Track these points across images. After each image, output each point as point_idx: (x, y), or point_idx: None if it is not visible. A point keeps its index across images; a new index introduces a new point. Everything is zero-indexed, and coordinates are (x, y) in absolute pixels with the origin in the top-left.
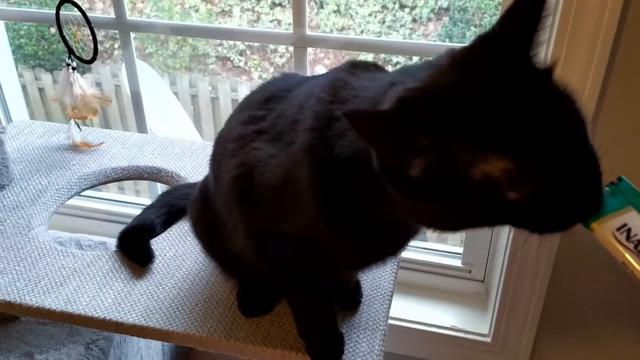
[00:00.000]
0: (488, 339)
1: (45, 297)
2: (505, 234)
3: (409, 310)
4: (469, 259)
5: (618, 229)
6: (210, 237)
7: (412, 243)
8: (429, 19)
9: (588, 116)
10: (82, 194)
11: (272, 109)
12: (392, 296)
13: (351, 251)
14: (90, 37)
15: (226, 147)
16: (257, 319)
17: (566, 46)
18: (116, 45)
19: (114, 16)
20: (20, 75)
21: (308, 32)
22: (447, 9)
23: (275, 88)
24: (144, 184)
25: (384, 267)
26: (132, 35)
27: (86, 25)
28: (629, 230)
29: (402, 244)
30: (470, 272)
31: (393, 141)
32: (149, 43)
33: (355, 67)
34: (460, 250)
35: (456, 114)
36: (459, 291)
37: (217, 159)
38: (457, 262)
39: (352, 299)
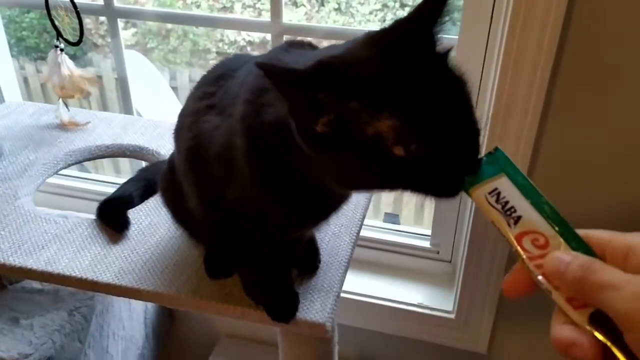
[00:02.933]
0: (452, 316)
1: (27, 258)
2: (467, 217)
3: (378, 288)
4: (437, 241)
5: (490, 193)
6: (177, 206)
7: (384, 225)
8: None
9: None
10: (74, 175)
11: (221, 85)
12: (348, 263)
13: (285, 216)
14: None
15: (184, 121)
16: (221, 280)
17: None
18: None
19: (102, 3)
20: (21, 68)
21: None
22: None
23: (225, 67)
24: (125, 166)
25: (342, 237)
26: (134, 30)
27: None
28: (498, 194)
29: (330, 209)
30: (438, 253)
31: (303, 97)
32: (150, 38)
33: (291, 45)
34: (429, 232)
35: (358, 79)
36: (427, 271)
37: (177, 133)
38: (426, 244)
39: (310, 264)
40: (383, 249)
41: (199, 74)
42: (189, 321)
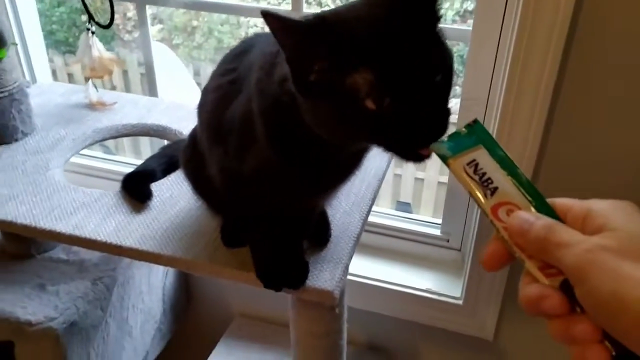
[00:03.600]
0: (460, 302)
1: (56, 223)
2: (477, 207)
3: (389, 274)
4: (447, 229)
5: (468, 164)
6: (197, 177)
7: (397, 213)
8: (454, 21)
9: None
10: (97, 155)
11: (241, 61)
12: (357, 238)
13: (298, 180)
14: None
15: (207, 97)
16: (236, 249)
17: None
18: None
19: None
20: (50, 60)
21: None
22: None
23: (245, 44)
24: (146, 149)
25: (353, 215)
26: (160, 26)
27: None
28: (476, 165)
29: (339, 176)
30: (448, 241)
31: (299, 46)
32: (176, 34)
33: None
34: (439, 220)
35: (347, 34)
36: (437, 258)
37: (200, 108)
38: (437, 232)
39: (321, 237)
40: (395, 236)
41: None
42: (204, 300)
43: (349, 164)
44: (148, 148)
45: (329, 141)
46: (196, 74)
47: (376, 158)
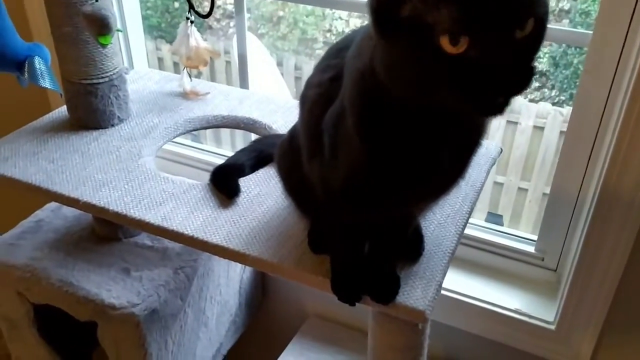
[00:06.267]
0: (552, 327)
1: (146, 212)
2: (582, 225)
3: (475, 289)
4: (543, 246)
5: None
6: (289, 174)
7: (487, 224)
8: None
9: None
10: (187, 144)
11: (343, 57)
12: (452, 254)
13: (392, 177)
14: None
15: (308, 92)
16: (323, 256)
17: None
18: (231, 24)
19: None
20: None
21: None
22: (568, 11)
23: (347, 39)
24: (226, 138)
25: (448, 228)
26: (247, 15)
27: None
28: None
29: (436, 179)
30: (543, 260)
31: None
32: (262, 24)
33: None
34: (534, 237)
35: None
36: (528, 277)
37: (302, 99)
38: (531, 249)
39: (414, 251)
40: (483, 249)
41: (304, 62)
42: (280, 297)
43: (445, 165)
44: (228, 138)
45: (402, 96)
46: (279, 64)
47: (474, 168)
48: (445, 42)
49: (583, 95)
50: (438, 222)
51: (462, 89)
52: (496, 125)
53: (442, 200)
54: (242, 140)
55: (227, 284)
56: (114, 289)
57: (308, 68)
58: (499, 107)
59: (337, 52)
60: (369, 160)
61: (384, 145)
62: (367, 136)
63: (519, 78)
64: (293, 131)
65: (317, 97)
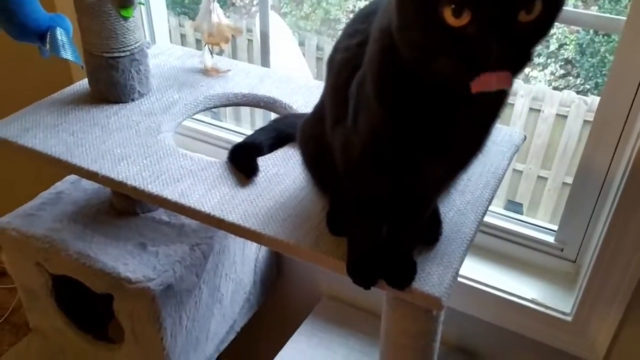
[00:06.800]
0: (569, 319)
1: (164, 188)
2: (605, 217)
3: (491, 276)
4: (563, 237)
5: None
6: (312, 144)
7: (506, 212)
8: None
9: None
10: (207, 121)
11: (370, 22)
12: (470, 241)
13: (409, 144)
14: None
15: (336, 55)
16: (340, 238)
17: None
18: (254, 2)
19: None
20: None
21: None
22: None
23: (376, 4)
24: (246, 117)
25: (467, 215)
26: None
27: None
28: None
29: (451, 141)
30: (562, 251)
31: None
32: (285, 3)
33: None
34: (554, 227)
35: None
36: (546, 267)
37: (329, 63)
38: (550, 239)
39: (431, 235)
40: (502, 237)
41: (327, 42)
42: (295, 277)
43: (460, 135)
44: (248, 116)
45: (408, 59)
46: (301, 44)
47: (496, 155)
48: (448, 13)
49: (617, 71)
50: (457, 208)
51: (456, 61)
52: (518, 112)
53: (460, 179)
54: (261, 118)
55: (243, 262)
56: (130, 263)
57: (330, 49)
58: (475, 90)
59: (365, 16)
60: (385, 124)
61: (399, 110)
62: (384, 99)
63: (512, 63)
64: (320, 103)
65: (345, 61)
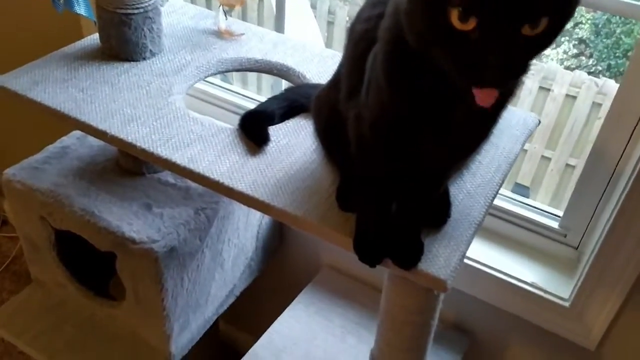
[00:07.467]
0: (567, 304)
1: (173, 152)
2: (613, 206)
3: (492, 258)
4: (568, 223)
5: None
6: (324, 114)
7: (513, 195)
8: None
9: None
10: (217, 84)
11: None
12: (479, 225)
13: (416, 127)
14: None
15: (356, 25)
16: (348, 214)
17: None
18: None
19: None
20: None
21: None
22: None
23: None
24: (252, 80)
25: (477, 198)
26: None
27: None
28: None
29: (458, 126)
30: (565, 237)
31: None
32: None
33: None
34: (559, 212)
35: None
36: (548, 252)
37: (350, 31)
38: (554, 224)
39: (440, 216)
40: (506, 220)
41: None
42: (296, 245)
43: (467, 119)
44: (255, 80)
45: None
46: (330, 12)
47: (510, 139)
48: (454, 16)
49: (639, 58)
50: (467, 191)
51: (453, 61)
52: (528, 90)
53: (472, 162)
54: (268, 83)
55: (246, 228)
56: (135, 223)
57: (341, 13)
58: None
59: None
60: (392, 102)
61: (405, 90)
62: (392, 77)
63: (508, 73)
64: (337, 74)
65: (364, 32)
